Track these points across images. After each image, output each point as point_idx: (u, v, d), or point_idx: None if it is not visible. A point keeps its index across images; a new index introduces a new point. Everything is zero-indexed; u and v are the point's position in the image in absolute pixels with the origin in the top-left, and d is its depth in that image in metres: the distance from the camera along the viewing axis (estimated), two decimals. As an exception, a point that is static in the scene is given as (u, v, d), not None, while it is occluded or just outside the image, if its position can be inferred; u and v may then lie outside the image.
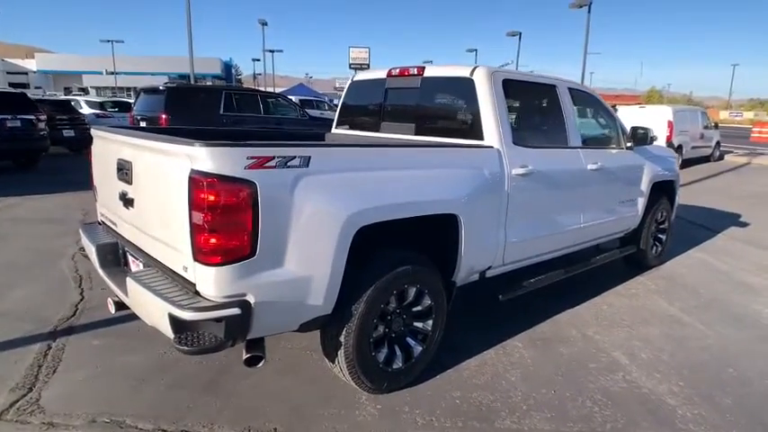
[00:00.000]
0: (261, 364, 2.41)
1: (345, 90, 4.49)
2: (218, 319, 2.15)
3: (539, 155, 3.58)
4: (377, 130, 4.12)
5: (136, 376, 3.00)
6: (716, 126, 15.93)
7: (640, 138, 4.55)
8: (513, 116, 3.67)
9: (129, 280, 2.46)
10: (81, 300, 4.07)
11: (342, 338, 2.62)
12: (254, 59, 64.91)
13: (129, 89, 57.21)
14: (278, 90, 32.71)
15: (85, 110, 16.10)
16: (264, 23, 41.66)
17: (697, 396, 2.97)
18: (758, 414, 2.82)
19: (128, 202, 2.70)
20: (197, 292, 2.24)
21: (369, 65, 63.31)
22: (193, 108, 10.07)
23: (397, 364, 2.87)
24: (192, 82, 21.08)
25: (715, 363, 3.39)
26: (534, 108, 3.91)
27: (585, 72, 25.19)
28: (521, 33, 38.59)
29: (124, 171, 2.69)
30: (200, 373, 3.04)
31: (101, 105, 16.94)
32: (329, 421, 2.62)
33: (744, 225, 7.49)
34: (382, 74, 4.09)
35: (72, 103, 14.95)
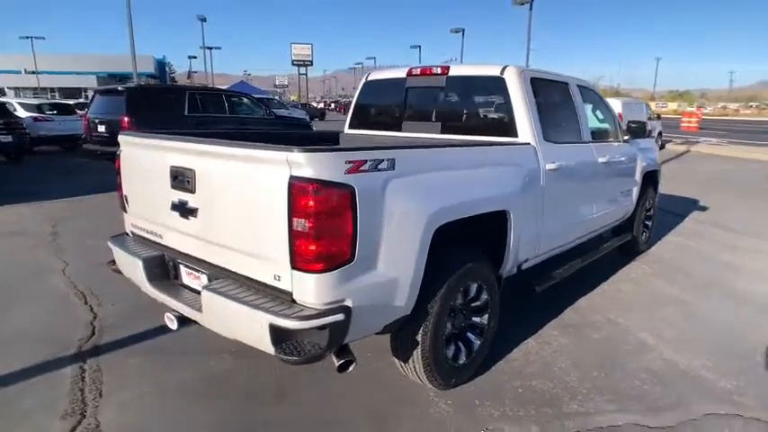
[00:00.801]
0: (352, 368, 2.39)
1: (359, 90, 4.47)
2: (322, 327, 2.12)
3: (563, 150, 3.73)
4: (398, 130, 4.14)
5: (192, 392, 2.88)
6: (658, 117, 17.05)
7: (636, 131, 4.83)
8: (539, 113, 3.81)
9: (207, 293, 2.36)
10: (94, 318, 3.83)
11: (419, 337, 2.64)
12: (190, 57, 62.72)
13: (53, 90, 53.55)
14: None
15: (21, 113, 14.93)
16: (203, 20, 40.24)
17: (728, 368, 3.23)
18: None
19: (187, 211, 2.57)
20: (293, 301, 2.19)
21: (312, 61, 62.87)
22: (157, 109, 9.63)
23: (462, 359, 2.93)
24: (135, 81, 20.04)
25: (731, 336, 3.69)
26: (555, 105, 4.06)
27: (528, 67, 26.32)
28: (464, 30, 39.52)
29: (183, 179, 2.56)
30: (259, 384, 2.96)
31: (38, 108, 15.75)
32: (409, 421, 2.64)
33: (704, 209, 8.11)
34: (401, 73, 4.11)
35: (6, 106, 13.82)
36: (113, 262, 3.25)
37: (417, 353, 2.67)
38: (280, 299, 2.22)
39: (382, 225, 2.26)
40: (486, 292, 3.03)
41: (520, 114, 3.44)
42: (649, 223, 5.74)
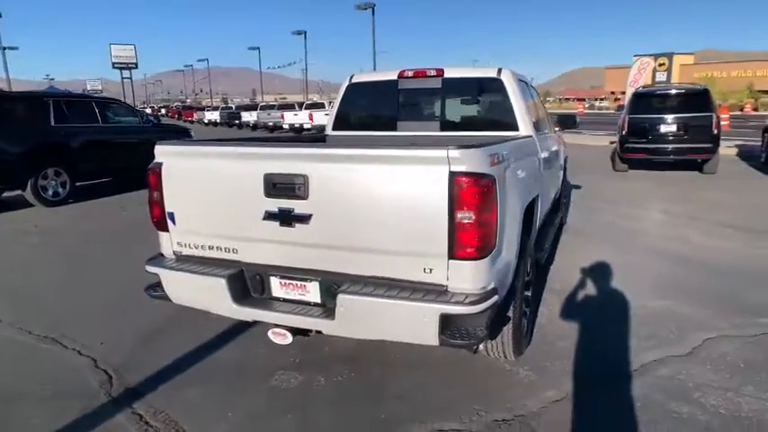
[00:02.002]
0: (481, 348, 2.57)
1: (342, 93, 4.51)
2: (483, 311, 2.28)
3: (545, 140, 4.30)
4: (393, 130, 4.31)
5: (283, 409, 2.75)
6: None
7: (567, 122, 5.68)
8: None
9: (348, 297, 2.34)
10: (94, 361, 3.31)
11: (510, 313, 2.91)
12: (-24, 59, 52.31)
13: None
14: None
15: None
16: (-1, 15, 34.07)
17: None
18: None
19: (294, 219, 2.47)
20: (445, 291, 2.30)
21: (137, 63, 57.20)
22: (16, 120, 8.20)
23: (525, 328, 3.28)
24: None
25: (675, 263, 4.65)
26: (529, 101, 4.61)
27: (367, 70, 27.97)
28: (306, 32, 39.78)
29: (288, 186, 2.45)
30: (345, 386, 2.95)
31: None
32: (511, 390, 2.89)
33: (578, 187, 9.63)
34: (391, 75, 4.28)
35: None
36: (156, 288, 2.91)
37: (509, 328, 2.93)
38: (425, 291, 2.31)
39: (506, 211, 2.50)
40: (531, 266, 3.42)
41: (519, 111, 3.89)
42: (564, 200, 6.74)
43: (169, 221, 2.85)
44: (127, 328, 3.80)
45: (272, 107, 35.80)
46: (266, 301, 2.69)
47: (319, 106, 30.26)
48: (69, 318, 4.03)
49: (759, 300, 4.08)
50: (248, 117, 35.98)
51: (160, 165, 2.80)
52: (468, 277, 2.28)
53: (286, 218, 2.49)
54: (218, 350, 3.45)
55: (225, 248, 2.74)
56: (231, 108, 44.79)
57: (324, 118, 25.85)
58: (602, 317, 3.89)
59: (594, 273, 4.84)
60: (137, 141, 9.73)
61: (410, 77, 4.20)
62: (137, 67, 56.92)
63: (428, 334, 2.26)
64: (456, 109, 4.28)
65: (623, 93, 34.78)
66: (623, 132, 10.11)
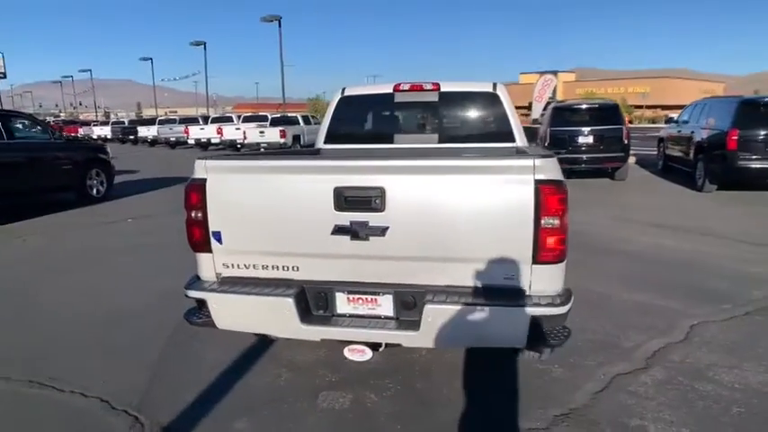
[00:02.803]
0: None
1: (334, 106, 4.47)
2: (568, 311, 2.41)
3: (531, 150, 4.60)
4: (390, 142, 4.35)
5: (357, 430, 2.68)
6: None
7: (534, 136, 6.07)
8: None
9: (435, 307, 2.35)
10: (107, 404, 2.97)
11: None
12: None
13: None
14: None
15: None
16: None
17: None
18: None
19: (370, 232, 2.43)
20: (527, 296, 2.40)
21: (5, 73, 51.05)
22: None
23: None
24: None
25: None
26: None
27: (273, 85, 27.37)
28: (205, 43, 38.18)
29: (364, 199, 2.41)
30: (400, 400, 2.93)
31: None
32: (551, 386, 3.05)
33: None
34: (385, 89, 4.34)
35: None
36: (198, 314, 2.69)
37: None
38: (508, 296, 2.40)
39: (566, 217, 2.66)
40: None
41: (514, 124, 4.14)
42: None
43: (213, 242, 2.65)
44: (119, 362, 3.45)
45: (172, 121, 33.82)
46: (332, 318, 2.60)
47: (227, 120, 29.14)
48: (40, 356, 3.55)
49: (714, 288, 4.68)
50: (146, 132, 33.61)
51: (203, 181, 2.61)
52: (550, 280, 2.40)
53: (360, 231, 2.44)
54: (240, 376, 3.25)
55: (283, 267, 2.61)
56: (124, 122, 41.54)
57: (235, 133, 24.91)
58: (595, 311, 4.22)
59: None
60: (47, 159, 8.77)
61: (407, 91, 4.29)
62: (5, 77, 50.86)
63: (518, 337, 2.35)
64: (453, 122, 4.43)
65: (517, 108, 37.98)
66: (546, 144, 10.99)
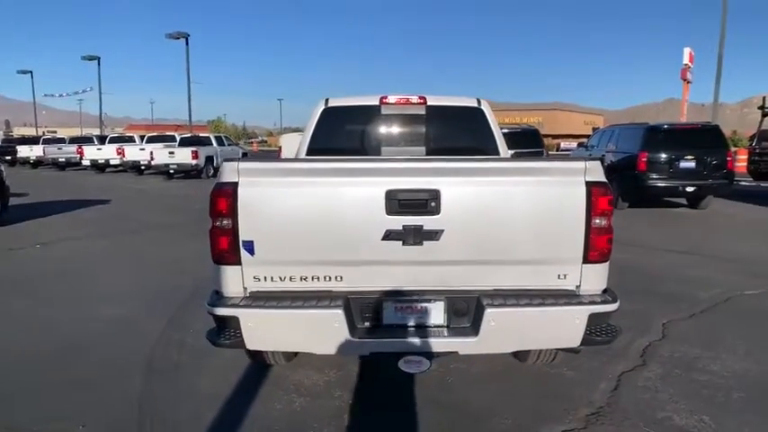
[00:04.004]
0: None
1: (317, 118, 4.31)
2: (618, 308, 2.48)
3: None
4: (376, 154, 4.28)
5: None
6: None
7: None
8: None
9: (496, 310, 2.31)
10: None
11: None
12: None
13: None
14: None
15: None
16: None
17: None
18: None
19: (424, 236, 2.35)
20: (582, 295, 2.45)
21: None
22: None
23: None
24: None
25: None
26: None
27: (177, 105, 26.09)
28: (100, 58, 35.41)
29: (419, 202, 2.33)
30: (436, 415, 2.82)
31: None
32: (583, 397, 3.12)
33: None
34: (371, 101, 4.28)
35: None
36: (224, 333, 2.41)
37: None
38: (561, 296, 2.43)
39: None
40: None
41: (498, 137, 4.29)
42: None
43: (244, 253, 2.40)
44: (95, 399, 3.00)
45: (61, 140, 30.75)
46: (379, 328, 2.45)
47: (129, 140, 27.07)
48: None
49: (669, 291, 5.12)
50: (27, 152, 30.13)
51: (234, 185, 2.36)
52: (597, 279, 2.47)
53: (414, 236, 2.35)
54: (247, 405, 2.96)
55: (325, 277, 2.43)
56: (-3, 141, 36.94)
57: (139, 153, 23.17)
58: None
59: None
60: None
61: (393, 104, 4.27)
62: None
63: (576, 336, 2.37)
64: (439, 135, 4.47)
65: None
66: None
